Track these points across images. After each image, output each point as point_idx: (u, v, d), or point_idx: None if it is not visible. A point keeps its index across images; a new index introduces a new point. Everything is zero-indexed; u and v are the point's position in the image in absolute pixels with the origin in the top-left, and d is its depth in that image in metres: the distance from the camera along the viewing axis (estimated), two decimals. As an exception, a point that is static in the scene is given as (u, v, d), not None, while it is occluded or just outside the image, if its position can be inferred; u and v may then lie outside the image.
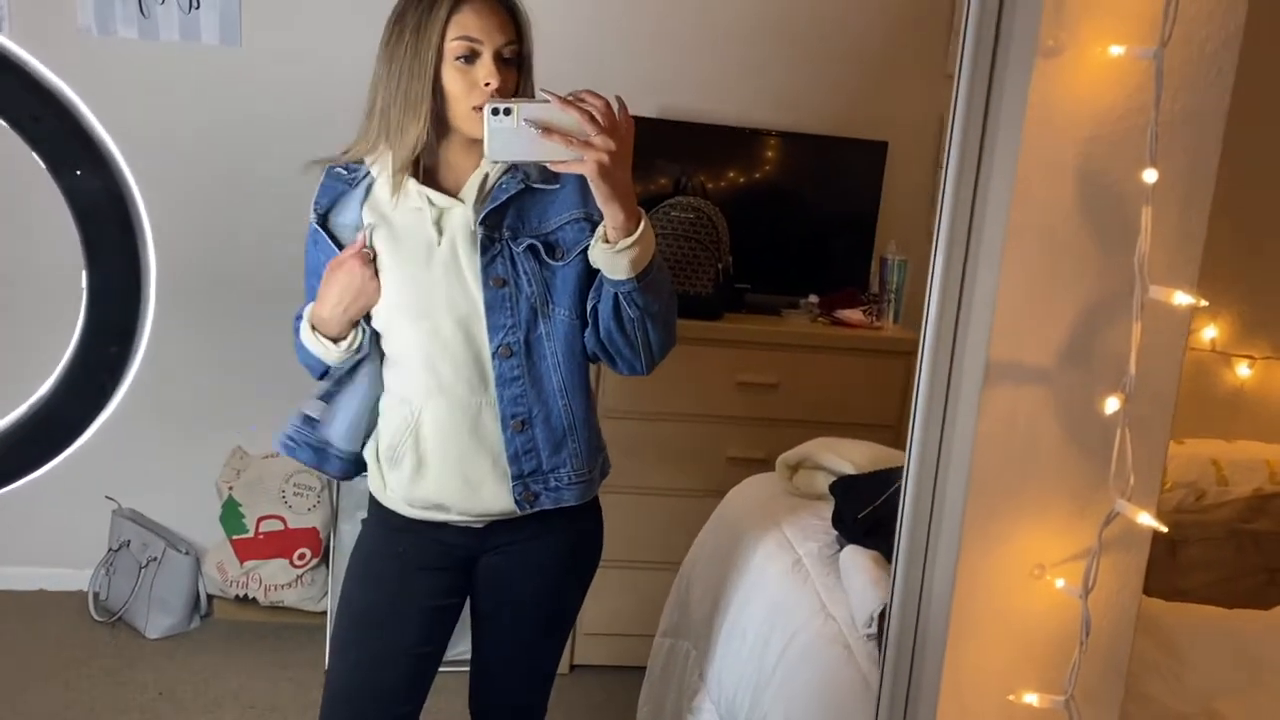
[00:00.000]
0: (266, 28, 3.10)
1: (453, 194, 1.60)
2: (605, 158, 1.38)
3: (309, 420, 1.71)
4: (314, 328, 1.64)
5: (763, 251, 3.28)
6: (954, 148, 0.92)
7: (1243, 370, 2.49)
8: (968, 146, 0.90)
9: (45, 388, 1.26)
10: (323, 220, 1.65)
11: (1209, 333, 2.48)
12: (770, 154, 3.28)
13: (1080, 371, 0.93)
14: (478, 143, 1.55)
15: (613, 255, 1.49)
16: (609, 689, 2.99)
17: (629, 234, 1.47)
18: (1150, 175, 0.84)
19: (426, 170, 1.61)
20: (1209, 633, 1.53)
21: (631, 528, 2.97)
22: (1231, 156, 2.46)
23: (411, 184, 1.58)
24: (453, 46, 1.51)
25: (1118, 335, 0.88)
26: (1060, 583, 0.96)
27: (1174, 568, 1.64)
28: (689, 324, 2.90)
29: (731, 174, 3.27)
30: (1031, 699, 0.95)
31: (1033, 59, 0.84)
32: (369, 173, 1.63)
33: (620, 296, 1.54)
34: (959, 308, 0.93)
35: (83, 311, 1.17)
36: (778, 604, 2.02)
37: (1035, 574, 0.96)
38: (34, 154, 1.18)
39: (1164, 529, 0.89)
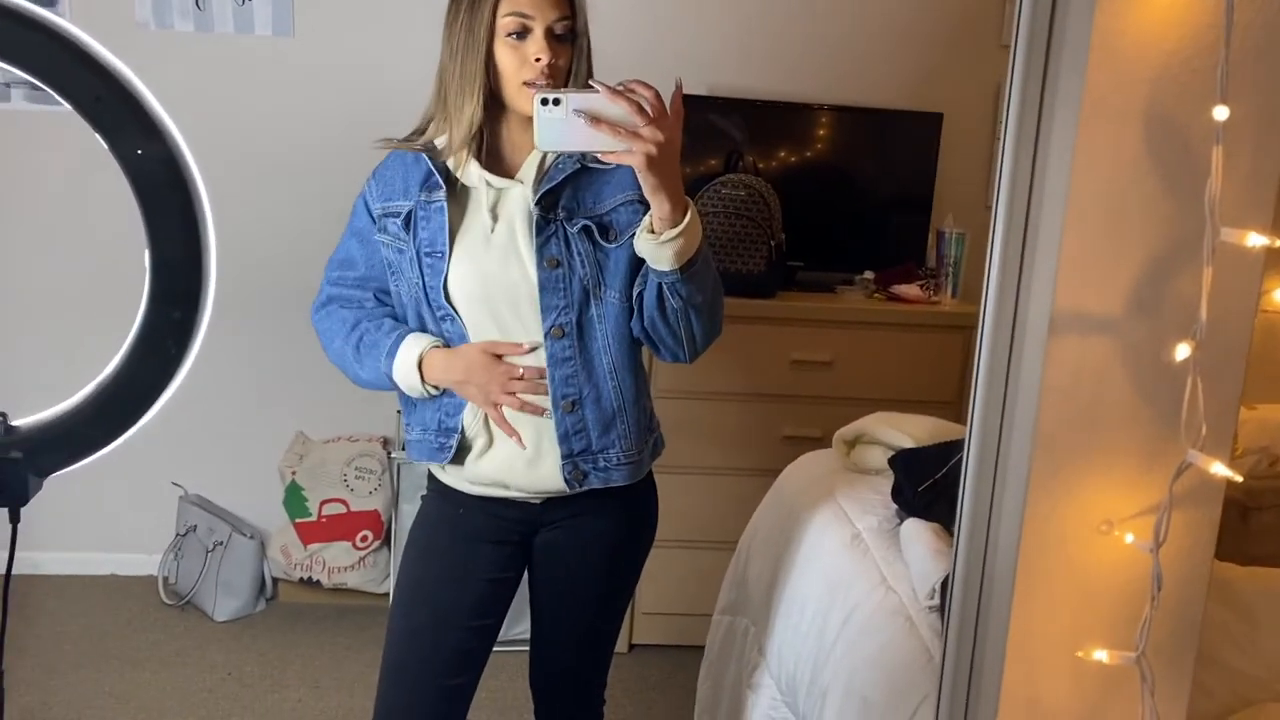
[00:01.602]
0: (319, 18, 3.13)
1: (510, 175, 1.62)
2: (653, 149, 1.38)
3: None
4: (419, 367, 1.64)
5: (817, 228, 3.25)
6: (1015, 91, 0.90)
7: (1316, 332, 2.41)
8: (1029, 89, 0.88)
9: (115, 360, 1.28)
10: (383, 199, 1.67)
11: (1280, 294, 2.41)
12: (822, 129, 3.25)
13: (1149, 320, 0.91)
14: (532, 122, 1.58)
15: (657, 246, 1.49)
16: (668, 668, 3.00)
17: (675, 225, 1.46)
18: (1221, 113, 0.81)
19: (487, 152, 1.62)
20: (1284, 596, 1.49)
21: (688, 507, 2.97)
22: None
23: (474, 166, 1.59)
24: (505, 23, 1.52)
25: (1188, 282, 0.86)
26: (1130, 538, 0.94)
27: (1247, 534, 1.60)
28: (741, 302, 2.89)
29: (784, 150, 3.24)
30: (1101, 655, 0.94)
31: (1095, -2, 0.82)
32: (432, 154, 1.63)
33: (664, 286, 1.54)
34: (1023, 258, 0.91)
35: (146, 283, 1.20)
36: (837, 578, 2.00)
37: (1103, 529, 0.94)
38: (96, 134, 1.19)
39: (1239, 478, 0.87)
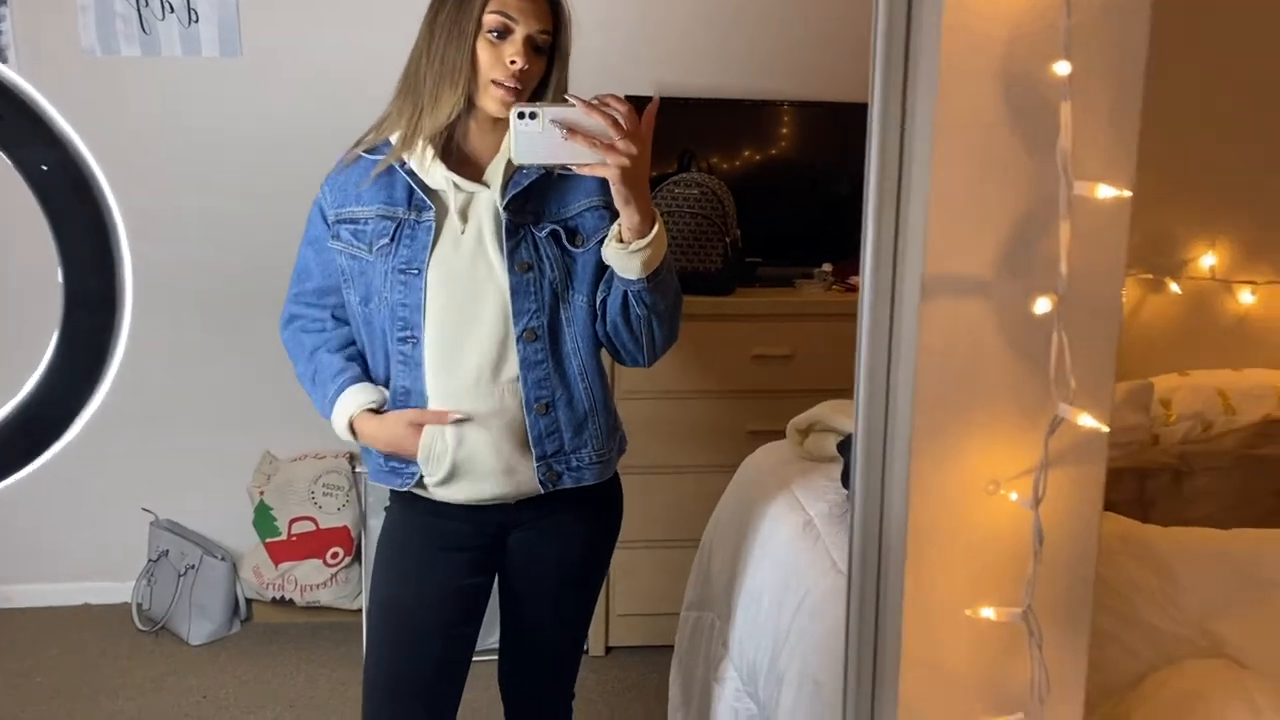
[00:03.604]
0: (265, 37, 3.14)
1: (476, 178, 1.62)
2: (627, 161, 1.43)
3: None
4: (350, 423, 1.67)
5: (774, 224, 3.26)
6: (879, 57, 0.91)
7: (1246, 297, 2.42)
8: (893, 55, 0.89)
9: (33, 379, 1.28)
10: (337, 205, 1.67)
11: (1208, 260, 2.42)
12: (775, 125, 3.26)
13: (1020, 280, 0.92)
14: (499, 124, 1.60)
15: (626, 255, 1.53)
16: (644, 669, 3.00)
17: (643, 235, 1.51)
18: (1063, 68, 0.82)
19: (451, 153, 1.62)
20: (1205, 555, 1.50)
21: (657, 506, 2.97)
22: (1236, 80, 2.41)
23: (439, 168, 1.60)
24: (489, 19, 1.54)
25: (1054, 240, 0.86)
26: (1014, 496, 0.94)
27: (1179, 498, 1.62)
28: (700, 300, 2.90)
29: (736, 147, 3.25)
30: (989, 613, 0.94)
31: (944, -37, 0.83)
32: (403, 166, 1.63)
33: (630, 294, 1.58)
34: (896, 224, 0.92)
35: (60, 300, 1.20)
36: (790, 565, 2.01)
37: (990, 489, 0.95)
38: (2, 153, 1.20)
39: (1105, 428, 0.88)
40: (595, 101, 1.43)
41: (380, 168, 1.61)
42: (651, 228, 1.51)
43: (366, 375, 1.71)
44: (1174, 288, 2.42)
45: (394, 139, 1.62)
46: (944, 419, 0.94)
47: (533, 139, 1.42)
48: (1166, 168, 2.14)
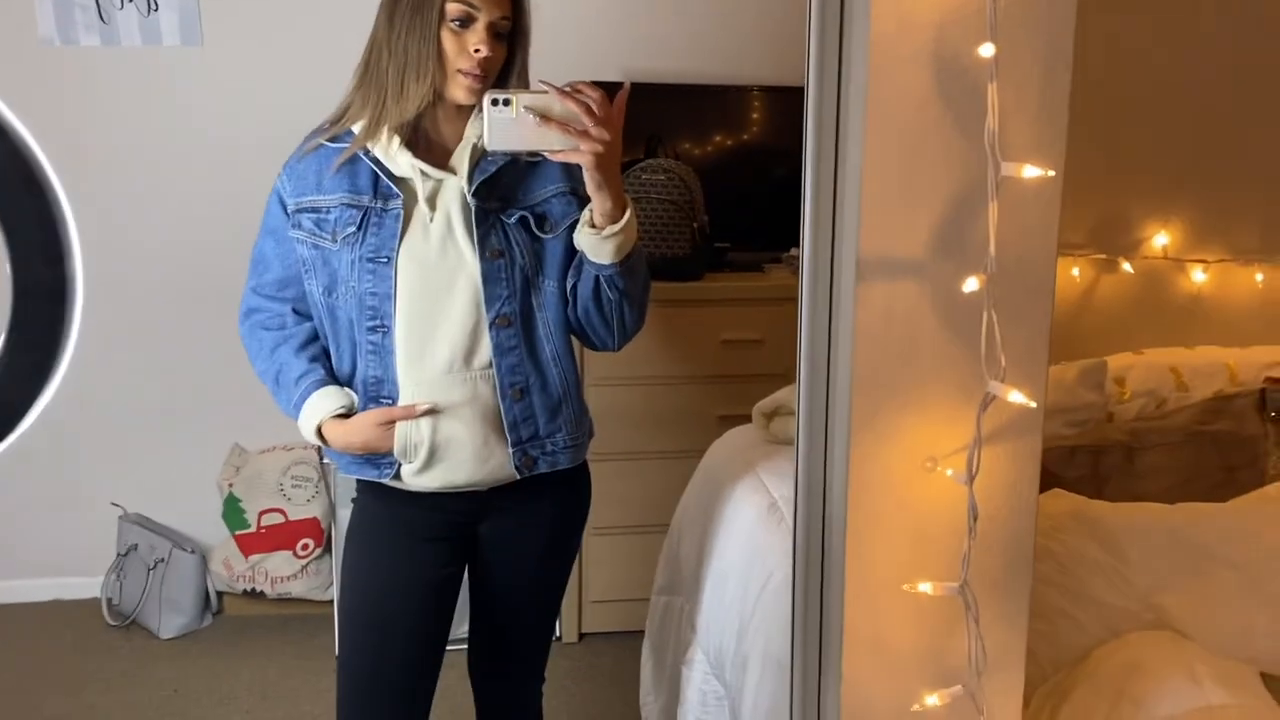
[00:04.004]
0: (226, 25, 3.12)
1: (442, 165, 1.62)
2: (600, 147, 1.45)
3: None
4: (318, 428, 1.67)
5: (742, 208, 3.27)
6: (813, 41, 0.91)
7: (1198, 276, 2.45)
8: (825, 43, 0.90)
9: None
10: (297, 194, 1.65)
11: (1160, 240, 2.45)
12: (742, 109, 3.27)
13: (953, 261, 0.93)
14: (464, 111, 1.60)
15: (599, 241, 1.55)
16: (617, 654, 3.01)
17: (615, 221, 1.53)
18: (987, 49, 0.83)
19: (416, 141, 1.62)
20: (1152, 529, 1.52)
21: (629, 493, 2.98)
22: (1189, 61, 2.44)
23: (404, 155, 1.59)
24: (451, 8, 1.53)
25: (986, 221, 0.88)
26: (950, 473, 0.96)
27: (1132, 474, 1.64)
28: (669, 286, 2.91)
29: (704, 132, 3.26)
30: (926, 587, 0.96)
31: (872, -54, 0.83)
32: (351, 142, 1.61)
33: (601, 279, 1.60)
34: (834, 206, 0.93)
35: (9, 278, 1.20)
36: (755, 548, 2.03)
37: (928, 466, 0.96)
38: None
39: (1034, 404, 0.89)
40: (568, 88, 1.44)
41: (344, 157, 1.60)
42: (624, 213, 1.53)
43: (331, 375, 1.69)
44: (1127, 267, 2.45)
45: (356, 129, 1.61)
46: (882, 398, 0.95)
47: (506, 126, 1.44)
48: (1119, 148, 2.17)
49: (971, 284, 0.87)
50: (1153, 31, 2.34)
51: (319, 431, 1.67)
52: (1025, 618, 1.02)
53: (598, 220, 1.54)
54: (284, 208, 1.67)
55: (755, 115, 3.28)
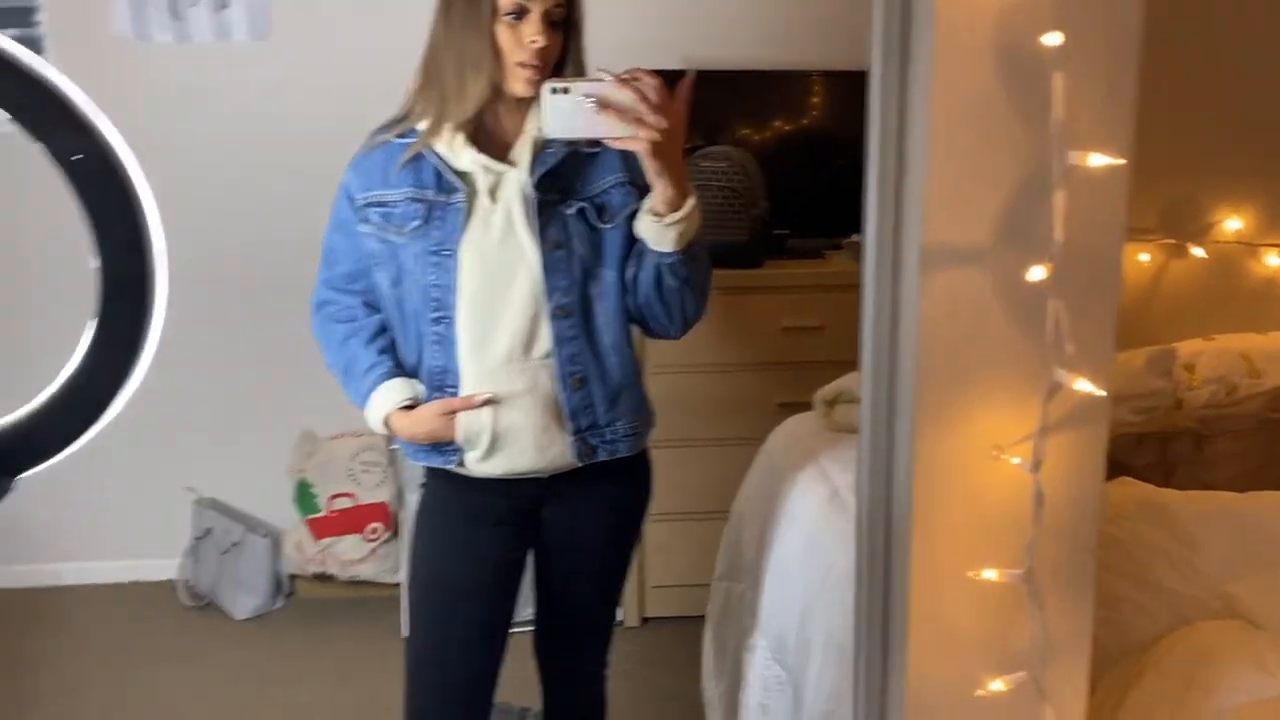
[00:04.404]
0: (294, 19, 3.17)
1: (503, 158, 1.64)
2: (657, 135, 1.45)
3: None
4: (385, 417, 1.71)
5: (803, 195, 3.26)
6: (877, 32, 0.92)
7: (1272, 260, 2.39)
8: (889, 32, 0.90)
9: (72, 363, 1.33)
10: (364, 189, 1.68)
11: (1233, 224, 2.39)
12: (803, 94, 3.25)
13: (1019, 249, 0.93)
14: (524, 104, 1.62)
15: (661, 228, 1.56)
16: (678, 639, 3.03)
17: (677, 208, 1.53)
18: (1053, 38, 0.83)
19: (477, 135, 1.64)
20: (1221, 517, 1.50)
21: (689, 480, 3.00)
22: (1261, 44, 2.38)
23: (467, 150, 1.61)
24: (504, 2, 1.54)
25: (1051, 209, 0.87)
26: (1016, 460, 0.96)
27: (1201, 462, 1.62)
28: (728, 273, 2.91)
29: (765, 118, 3.25)
30: (990, 574, 0.96)
31: (937, -65, 0.84)
32: (416, 139, 1.64)
33: (662, 267, 1.61)
34: (897, 196, 0.93)
35: (96, 285, 1.25)
36: (816, 536, 2.03)
37: (993, 454, 0.96)
38: (35, 141, 1.24)
39: (1101, 392, 0.89)
40: (626, 76, 1.45)
41: (409, 154, 1.63)
42: (686, 201, 1.54)
43: (399, 367, 1.73)
44: (1197, 252, 2.40)
45: (421, 127, 1.64)
46: (947, 386, 0.95)
47: (565, 113, 1.45)
48: (1190, 131, 2.13)
49: (1037, 273, 0.88)
50: (1230, 8, 2.29)
51: (386, 422, 1.71)
52: (1090, 605, 1.02)
53: (659, 208, 1.55)
54: (351, 202, 1.71)
55: (815, 101, 3.26)
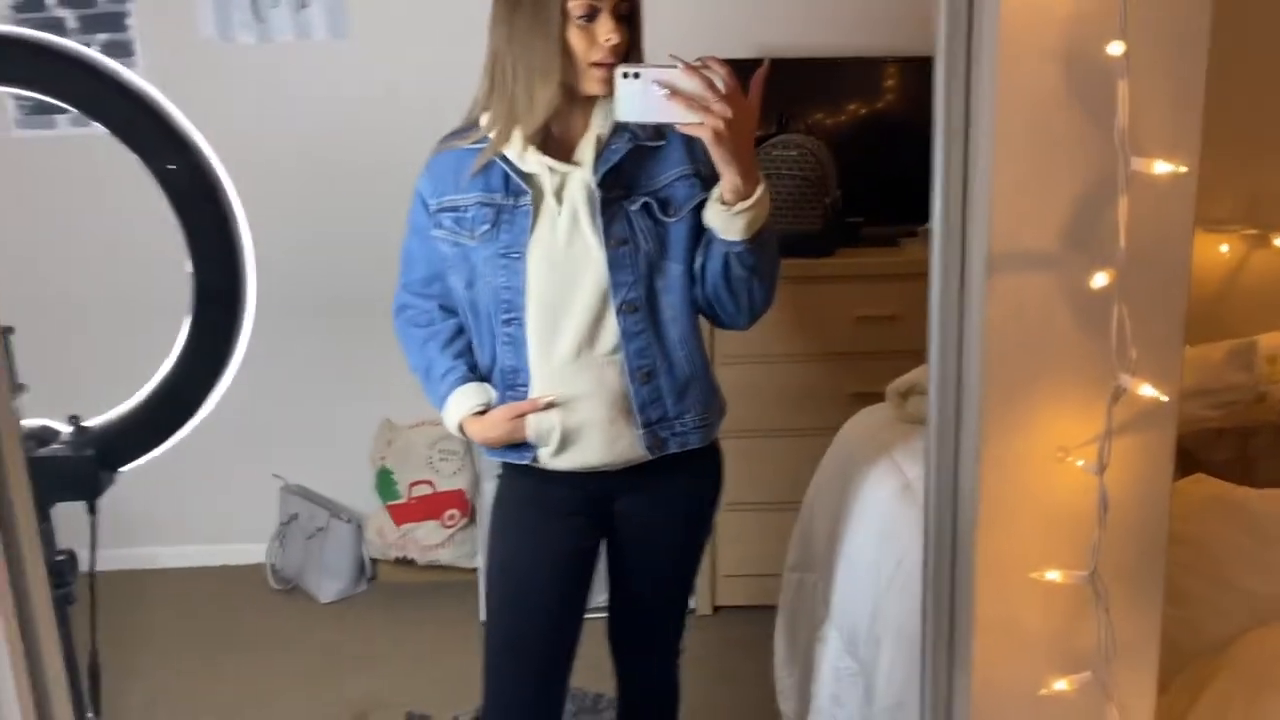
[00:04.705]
0: (374, 18, 3.24)
1: (567, 159, 1.67)
2: (721, 123, 1.46)
3: None
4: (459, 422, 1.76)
5: (876, 182, 3.23)
6: (942, 36, 0.93)
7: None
8: (955, 33, 0.91)
9: (169, 361, 1.40)
10: (437, 194, 1.72)
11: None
12: (875, 81, 3.23)
13: (1085, 253, 0.93)
14: (589, 104, 1.65)
15: (730, 217, 1.56)
16: (750, 627, 3.05)
17: (746, 197, 1.54)
18: (1116, 48, 0.83)
19: (541, 139, 1.65)
20: (1301, 516, 1.48)
21: (761, 470, 3.01)
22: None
23: (532, 153, 1.64)
24: (574, 6, 1.56)
25: (1117, 214, 0.88)
26: (1081, 463, 0.96)
27: (1286, 458, 1.59)
28: (800, 263, 2.91)
29: (835, 105, 3.23)
30: (1054, 575, 0.97)
31: (1002, -56, 0.84)
32: (486, 146, 1.67)
33: (731, 256, 1.61)
34: (964, 201, 0.94)
35: (190, 288, 1.31)
36: (888, 528, 2.04)
37: (1059, 456, 0.97)
38: (132, 153, 1.31)
39: (1165, 398, 0.89)
40: (697, 63, 1.46)
41: (481, 162, 1.66)
42: (755, 190, 1.54)
43: (473, 370, 1.78)
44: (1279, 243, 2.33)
45: (491, 134, 1.67)
46: (1013, 389, 0.96)
47: (635, 98, 1.48)
48: (1271, 122, 2.07)
49: (1101, 279, 0.88)
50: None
51: (460, 427, 1.76)
52: (1158, 607, 1.02)
53: (727, 196, 1.55)
54: (425, 208, 1.75)
55: (889, 86, 3.23)
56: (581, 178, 1.64)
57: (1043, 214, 0.93)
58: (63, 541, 1.40)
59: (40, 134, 3.30)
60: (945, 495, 1.02)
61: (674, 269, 1.68)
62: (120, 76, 1.33)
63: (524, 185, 1.66)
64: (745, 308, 1.70)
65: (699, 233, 1.67)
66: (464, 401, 1.74)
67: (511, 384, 1.72)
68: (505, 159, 1.66)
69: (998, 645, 1.01)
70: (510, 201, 1.67)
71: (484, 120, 1.68)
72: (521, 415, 1.70)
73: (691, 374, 1.73)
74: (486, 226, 1.68)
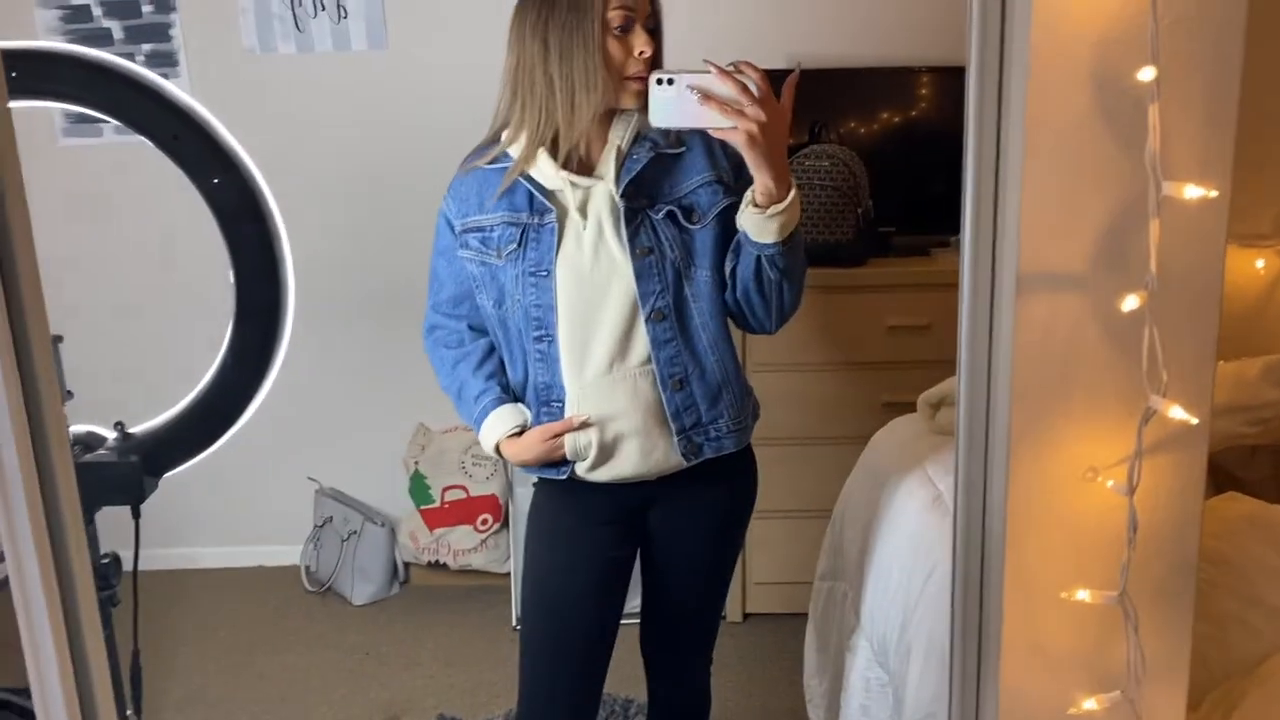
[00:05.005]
0: (411, 30, 3.28)
1: (589, 172, 1.68)
2: (755, 127, 1.47)
3: None
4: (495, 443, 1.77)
5: (908, 192, 3.24)
6: (972, 61, 0.93)
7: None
8: (986, 60, 0.92)
9: (211, 370, 1.43)
10: (461, 215, 1.74)
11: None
12: (905, 91, 3.23)
13: (1116, 275, 0.94)
14: (607, 118, 1.66)
15: (763, 220, 1.57)
16: (780, 635, 3.07)
17: (779, 201, 1.55)
18: (1147, 73, 0.84)
19: (562, 155, 1.66)
20: (1334, 536, 1.46)
21: (793, 478, 3.02)
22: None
23: (555, 171, 1.64)
24: (614, 16, 1.58)
25: (1148, 237, 0.88)
26: (1111, 483, 0.97)
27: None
28: (832, 272, 2.92)
29: (867, 115, 3.24)
30: (1084, 595, 0.97)
31: (1033, -31, 0.85)
32: (510, 166, 1.68)
33: (763, 259, 1.62)
34: (994, 222, 0.95)
35: (232, 298, 1.33)
36: (919, 539, 2.04)
37: (1088, 476, 0.97)
38: (178, 168, 1.34)
39: (1194, 420, 0.89)
40: (730, 68, 1.48)
41: (507, 181, 1.67)
42: (788, 193, 1.55)
43: (506, 390, 1.79)
44: (1319, 260, 2.31)
45: (513, 151, 1.68)
46: (1042, 408, 0.97)
47: (669, 104, 1.49)
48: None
49: (1131, 302, 0.89)
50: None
51: (497, 449, 1.78)
52: (1188, 627, 1.02)
53: (759, 199, 1.56)
54: (451, 229, 1.76)
55: (921, 95, 3.24)
56: (605, 190, 1.66)
57: (1073, 235, 0.94)
58: (104, 543, 1.44)
59: (86, 142, 3.37)
60: (974, 513, 1.03)
61: (701, 275, 1.69)
62: (167, 93, 1.37)
63: (548, 203, 1.67)
64: (775, 311, 1.70)
65: (724, 238, 1.68)
66: (499, 424, 1.76)
67: (546, 400, 1.74)
68: (529, 177, 1.67)
69: (1026, 664, 1.01)
70: (535, 220, 1.68)
71: (505, 135, 1.69)
72: (557, 435, 1.71)
73: (723, 379, 1.74)
74: (513, 245, 1.69)
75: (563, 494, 1.81)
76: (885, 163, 3.15)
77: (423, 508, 3.41)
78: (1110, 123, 0.91)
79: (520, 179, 1.67)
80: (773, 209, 1.55)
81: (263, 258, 1.35)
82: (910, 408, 2.77)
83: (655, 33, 1.64)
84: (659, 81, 1.48)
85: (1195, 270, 0.93)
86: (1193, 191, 0.84)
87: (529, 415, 1.76)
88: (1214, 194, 0.85)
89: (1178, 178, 0.86)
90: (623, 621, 1.90)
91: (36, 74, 1.20)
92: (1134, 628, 0.96)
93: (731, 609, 3.17)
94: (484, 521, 3.38)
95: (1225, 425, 1.76)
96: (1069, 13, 0.88)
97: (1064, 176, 0.93)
